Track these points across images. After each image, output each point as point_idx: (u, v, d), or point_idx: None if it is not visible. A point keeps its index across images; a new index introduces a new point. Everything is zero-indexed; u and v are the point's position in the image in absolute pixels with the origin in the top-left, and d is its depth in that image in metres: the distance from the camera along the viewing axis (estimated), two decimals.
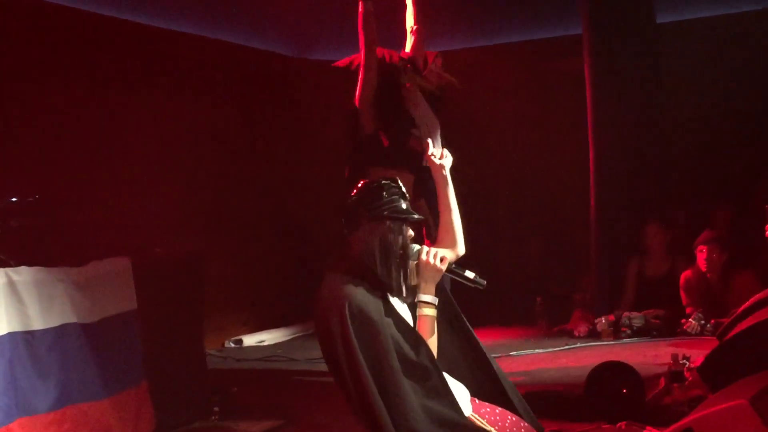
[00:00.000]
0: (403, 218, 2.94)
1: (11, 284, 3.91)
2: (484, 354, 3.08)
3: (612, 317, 6.66)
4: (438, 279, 3.00)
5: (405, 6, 5.68)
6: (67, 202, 4.85)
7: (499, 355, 6.04)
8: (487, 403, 2.99)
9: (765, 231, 5.67)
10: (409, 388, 2.77)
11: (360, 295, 2.83)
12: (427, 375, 2.82)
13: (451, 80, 5.81)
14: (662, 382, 4.40)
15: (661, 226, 6.97)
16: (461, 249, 3.15)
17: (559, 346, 6.43)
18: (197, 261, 5.11)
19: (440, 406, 2.79)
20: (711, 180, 7.97)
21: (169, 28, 7.42)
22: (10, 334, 3.88)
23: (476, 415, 2.91)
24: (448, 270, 3.02)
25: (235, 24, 7.92)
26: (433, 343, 2.94)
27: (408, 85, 5.47)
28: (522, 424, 2.96)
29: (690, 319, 6.37)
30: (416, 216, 2.98)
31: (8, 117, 5.97)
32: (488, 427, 2.86)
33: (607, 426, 4.11)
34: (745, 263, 6.52)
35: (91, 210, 4.89)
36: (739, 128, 7.91)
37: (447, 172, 3.16)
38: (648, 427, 3.94)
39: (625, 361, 4.49)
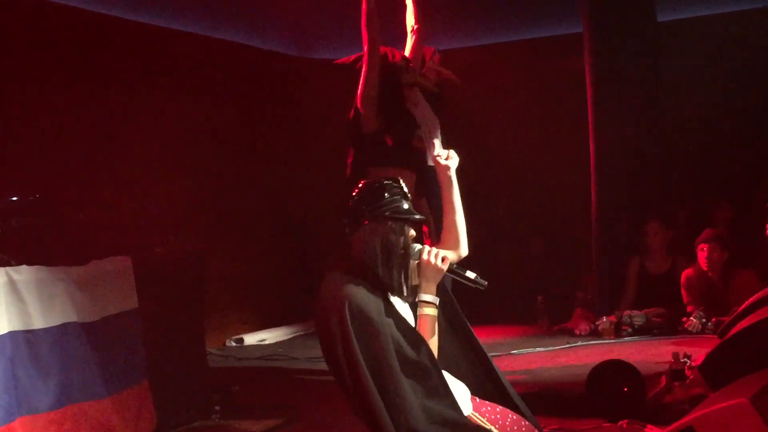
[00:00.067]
0: (404, 218, 2.94)
1: (12, 283, 3.91)
2: (485, 354, 3.08)
3: (613, 316, 6.66)
4: (439, 279, 2.99)
5: (405, 6, 5.67)
6: (67, 202, 4.84)
7: (500, 353, 6.03)
8: (487, 402, 2.99)
9: (765, 230, 5.69)
10: (409, 388, 2.76)
11: (360, 294, 2.83)
12: (427, 374, 2.82)
13: (449, 76, 5.80)
14: (663, 380, 4.39)
15: (661, 225, 6.97)
16: (464, 250, 3.14)
17: (560, 345, 6.42)
18: (198, 260, 5.11)
19: (440, 406, 2.79)
20: (711, 180, 7.98)
21: (169, 27, 7.42)
22: (11, 333, 3.87)
23: (477, 414, 2.90)
24: (449, 270, 3.01)
25: (235, 23, 7.91)
26: (433, 342, 2.93)
27: (409, 85, 5.46)
28: (523, 423, 2.96)
29: (691, 318, 6.37)
30: (418, 216, 2.97)
31: (8, 117, 5.97)
32: (489, 426, 2.86)
33: (608, 424, 4.12)
34: (746, 262, 6.52)
35: (92, 209, 4.88)
36: (739, 128, 7.92)
37: (452, 173, 3.13)
38: (649, 426, 3.95)
39: (626, 360, 4.49)
